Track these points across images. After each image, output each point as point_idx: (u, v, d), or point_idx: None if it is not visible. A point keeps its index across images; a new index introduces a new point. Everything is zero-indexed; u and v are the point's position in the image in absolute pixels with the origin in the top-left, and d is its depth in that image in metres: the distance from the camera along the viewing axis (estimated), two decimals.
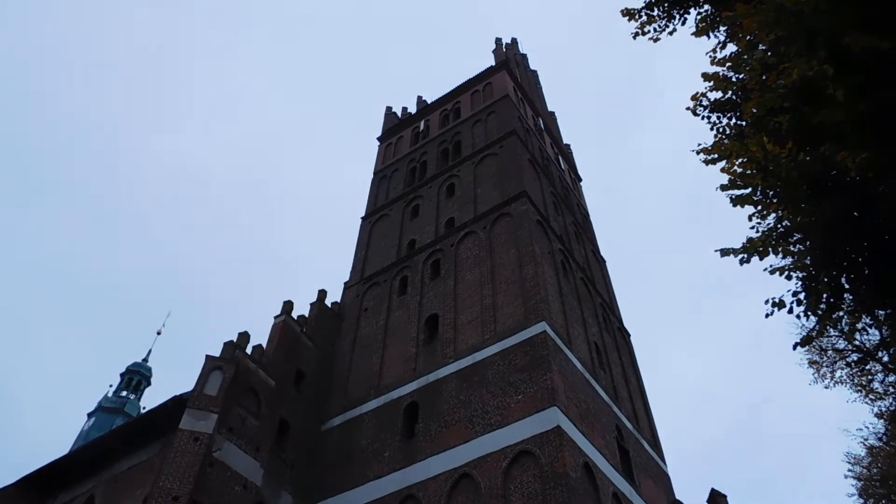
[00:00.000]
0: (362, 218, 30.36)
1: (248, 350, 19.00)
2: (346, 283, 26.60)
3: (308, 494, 18.17)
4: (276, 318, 21.47)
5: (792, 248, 6.54)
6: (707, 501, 20.04)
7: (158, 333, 61.60)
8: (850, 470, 19.87)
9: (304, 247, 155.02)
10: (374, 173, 33.90)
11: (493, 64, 35.93)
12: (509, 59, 36.90)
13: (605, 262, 30.46)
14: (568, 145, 40.35)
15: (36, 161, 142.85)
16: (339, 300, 25.59)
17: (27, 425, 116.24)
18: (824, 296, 6.35)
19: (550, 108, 43.19)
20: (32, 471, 19.75)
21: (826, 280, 6.34)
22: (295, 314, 21.96)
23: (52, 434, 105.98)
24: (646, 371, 29.65)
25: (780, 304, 6.40)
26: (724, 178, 6.68)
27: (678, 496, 20.60)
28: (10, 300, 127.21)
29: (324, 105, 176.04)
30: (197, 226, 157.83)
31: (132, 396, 54.32)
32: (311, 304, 23.70)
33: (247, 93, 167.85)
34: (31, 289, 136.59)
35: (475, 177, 27.36)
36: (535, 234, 22.28)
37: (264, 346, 20.13)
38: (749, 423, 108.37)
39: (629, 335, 26.54)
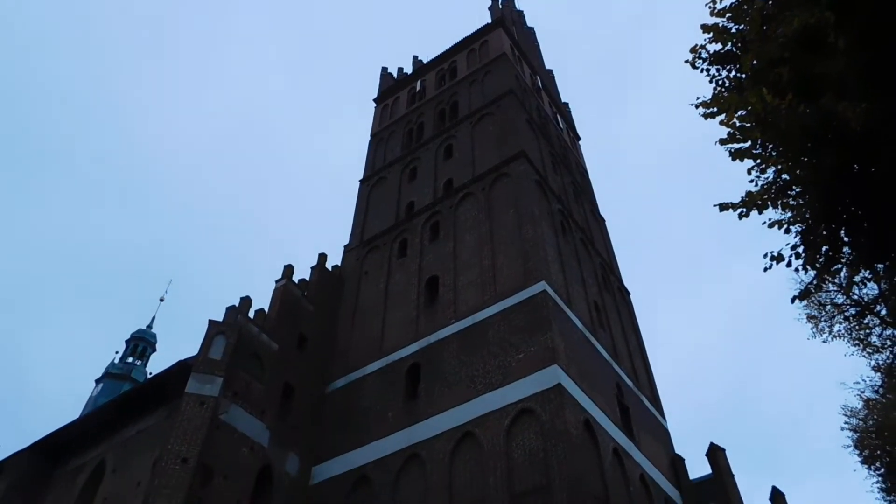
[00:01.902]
0: (361, 181, 30.20)
1: (251, 315, 19.11)
2: (346, 247, 26.61)
3: (314, 455, 18.51)
4: (277, 282, 21.54)
5: (791, 202, 6.51)
6: (706, 455, 20.45)
7: (161, 300, 61.96)
8: (846, 422, 20.11)
9: (304, 210, 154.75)
10: (372, 136, 33.59)
11: (490, 21, 35.29)
12: (505, 16, 36.22)
13: (604, 221, 30.43)
14: (566, 104, 39.90)
15: (36, 133, 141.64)
16: (339, 263, 25.64)
17: (37, 392, 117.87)
18: (823, 248, 6.35)
19: (548, 66, 42.57)
20: (43, 436, 20.08)
21: (825, 233, 6.33)
22: (296, 278, 22.02)
23: (62, 400, 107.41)
24: (645, 329, 29.89)
25: (778, 258, 6.41)
26: (724, 133, 6.62)
27: (678, 451, 21.00)
28: (16, 270, 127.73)
29: (320, 66, 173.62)
30: (196, 192, 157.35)
31: (138, 363, 54.91)
32: (312, 268, 23.72)
33: (241, 57, 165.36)
34: (36, 259, 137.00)
35: (473, 138, 27.13)
36: (533, 194, 22.19)
37: (266, 310, 20.25)
38: (748, 380, 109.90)
39: (629, 294, 26.67)
